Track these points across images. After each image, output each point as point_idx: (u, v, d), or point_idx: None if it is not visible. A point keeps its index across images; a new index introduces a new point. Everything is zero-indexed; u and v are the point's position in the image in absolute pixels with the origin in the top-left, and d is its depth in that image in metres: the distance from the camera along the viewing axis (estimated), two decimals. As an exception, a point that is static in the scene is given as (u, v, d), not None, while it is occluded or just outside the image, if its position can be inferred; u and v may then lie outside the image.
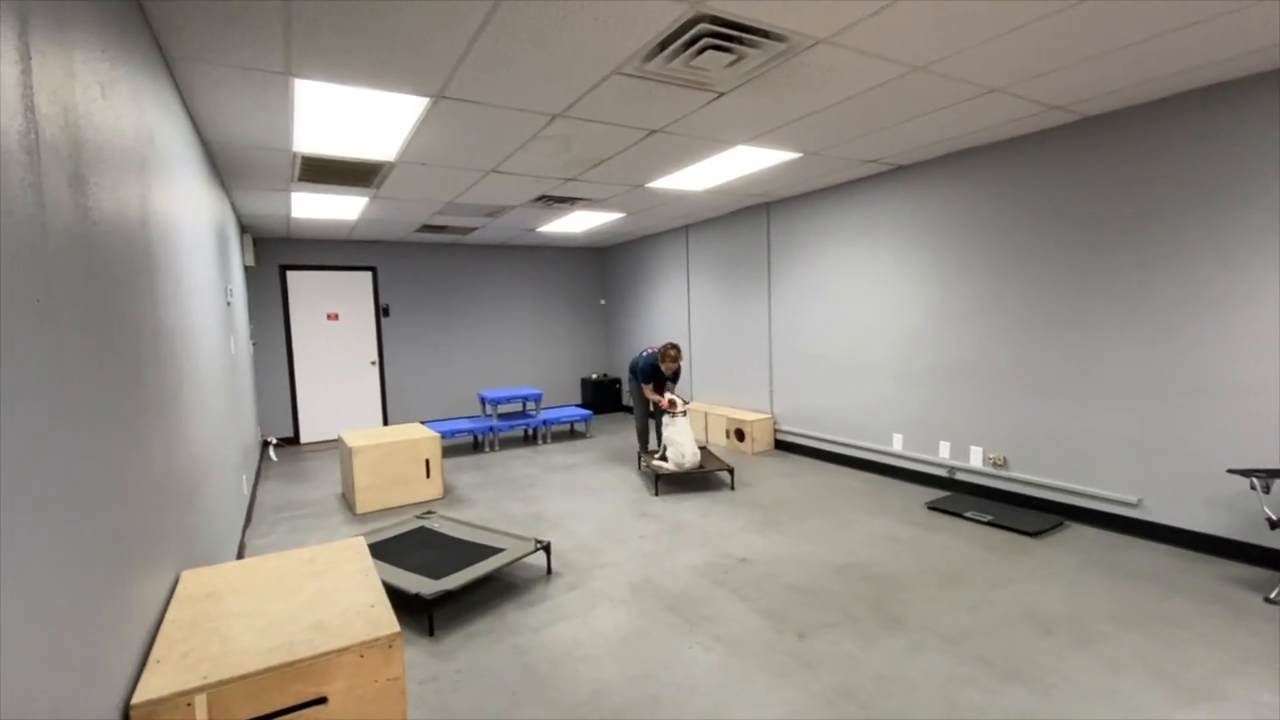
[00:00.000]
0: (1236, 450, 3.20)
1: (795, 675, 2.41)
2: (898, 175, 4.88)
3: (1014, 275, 4.15)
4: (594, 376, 9.24)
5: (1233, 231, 3.16)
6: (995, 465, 4.33)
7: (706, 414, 6.85)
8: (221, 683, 1.40)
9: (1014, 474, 4.24)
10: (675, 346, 5.38)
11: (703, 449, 5.38)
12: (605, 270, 9.58)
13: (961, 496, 4.47)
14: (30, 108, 1.06)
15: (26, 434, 0.95)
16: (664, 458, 5.14)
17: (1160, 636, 2.58)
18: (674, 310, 7.93)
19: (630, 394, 5.90)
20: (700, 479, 5.23)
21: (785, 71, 2.83)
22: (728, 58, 2.63)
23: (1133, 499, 3.63)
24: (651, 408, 5.64)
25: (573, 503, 4.75)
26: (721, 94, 3.09)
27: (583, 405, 9.25)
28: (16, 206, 0.97)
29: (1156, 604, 2.85)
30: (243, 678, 1.42)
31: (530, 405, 7.46)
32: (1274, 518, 2.76)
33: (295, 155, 3.91)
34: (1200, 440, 3.34)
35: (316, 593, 1.84)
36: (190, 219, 2.87)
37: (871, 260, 5.17)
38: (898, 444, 5.05)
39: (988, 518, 3.97)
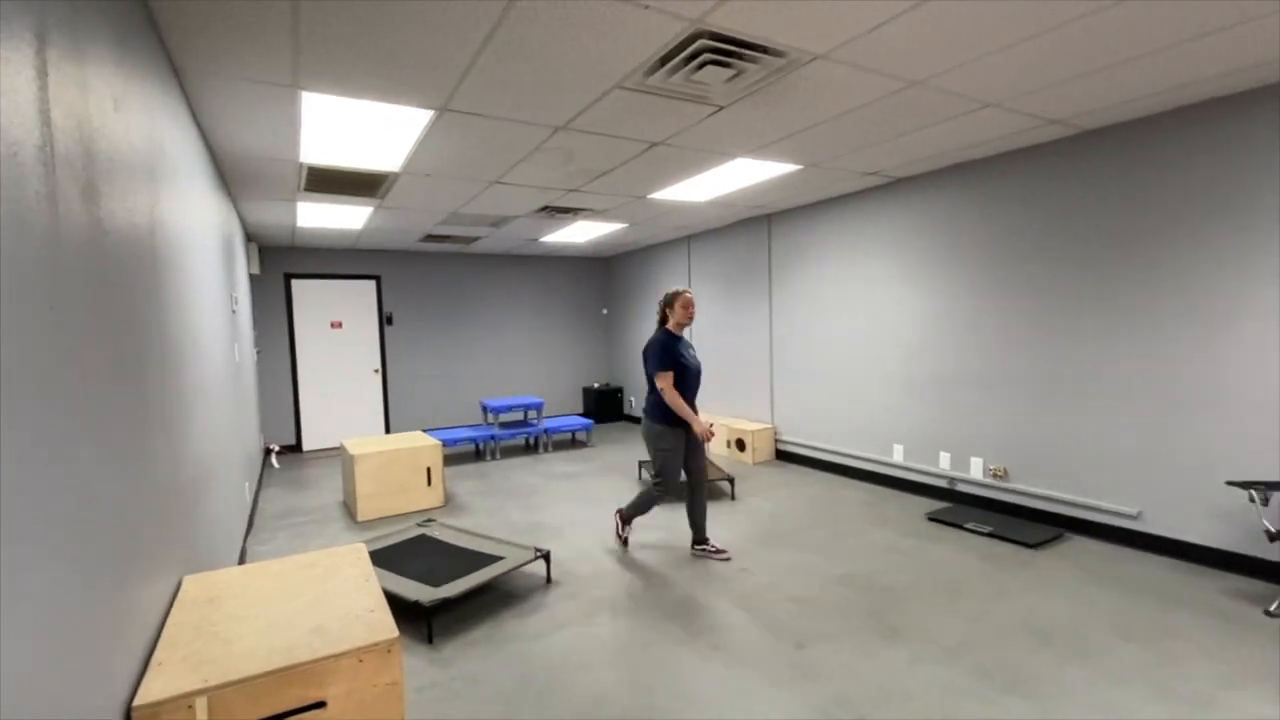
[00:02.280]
0: (1236, 462, 3.20)
1: (793, 685, 2.41)
2: (897, 188, 4.92)
3: (1013, 287, 4.17)
4: (596, 385, 9.26)
5: (1231, 246, 3.18)
6: (996, 476, 4.33)
7: (708, 424, 6.85)
8: (222, 685, 1.41)
9: (1014, 485, 4.24)
10: (683, 292, 3.71)
11: (703, 459, 5.38)
12: (608, 279, 9.63)
13: (962, 508, 4.47)
14: (46, 121, 1.10)
15: (37, 438, 0.98)
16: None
17: (1160, 649, 2.58)
18: (676, 320, 7.94)
19: (648, 414, 3.76)
20: (701, 489, 5.23)
21: (784, 86, 2.87)
22: (727, 72, 2.67)
23: (1132, 511, 3.63)
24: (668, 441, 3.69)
25: (573, 511, 4.75)
26: (721, 107, 3.13)
27: (584, 414, 9.27)
28: (32, 218, 1.01)
29: (1156, 616, 2.85)
30: (243, 681, 1.44)
31: (532, 414, 7.48)
32: (1273, 530, 2.76)
33: (302, 166, 3.96)
34: (1199, 452, 3.34)
35: (316, 598, 1.86)
36: (197, 228, 2.91)
37: (871, 272, 5.20)
38: (898, 455, 5.05)
39: (988, 529, 3.96)
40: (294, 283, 7.48)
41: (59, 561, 1.03)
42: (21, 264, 0.95)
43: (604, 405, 9.10)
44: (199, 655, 1.54)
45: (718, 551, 3.75)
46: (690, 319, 3.71)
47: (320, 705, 1.52)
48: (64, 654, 1.03)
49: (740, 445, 6.38)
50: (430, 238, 6.94)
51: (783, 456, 6.34)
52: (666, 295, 3.74)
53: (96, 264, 1.34)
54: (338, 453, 7.44)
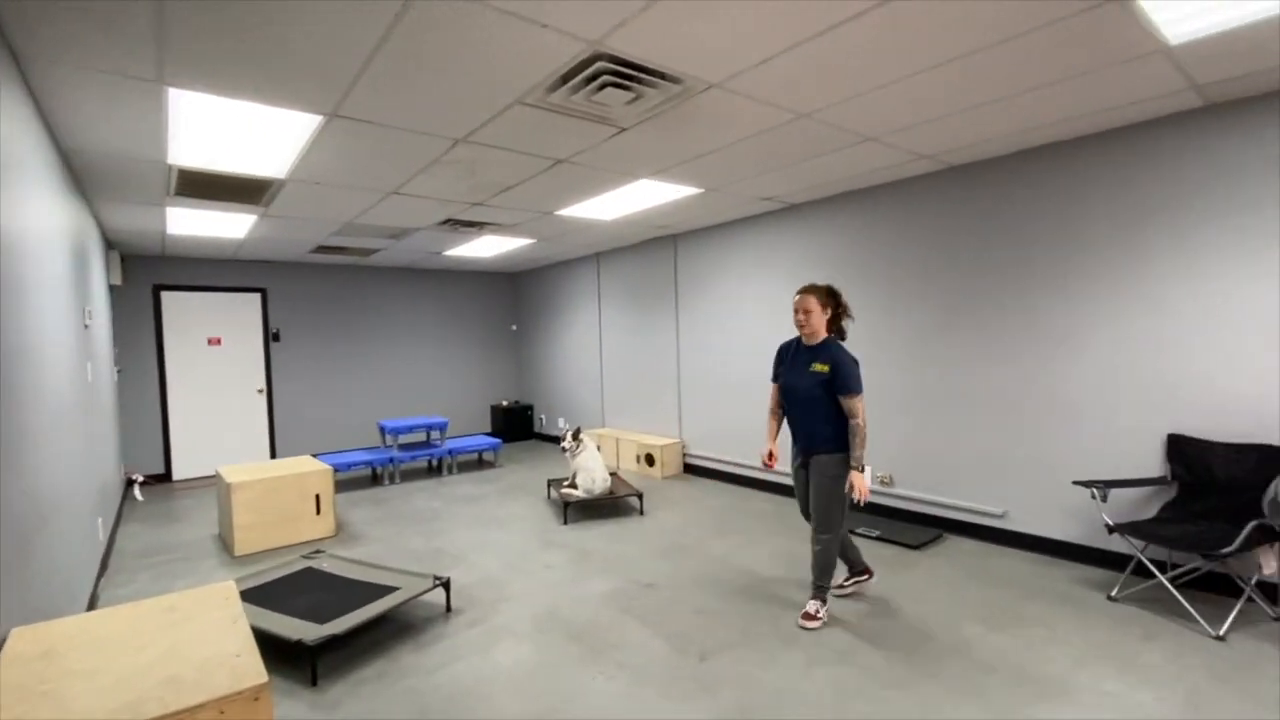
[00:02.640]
0: (1082, 464, 3.59)
1: (696, 698, 2.43)
2: (792, 213, 5.20)
3: (894, 308, 4.51)
4: (505, 403, 9.05)
5: (1073, 272, 3.61)
6: (883, 483, 4.63)
7: (618, 440, 6.87)
8: (47, 755, 1.24)
9: (899, 490, 4.54)
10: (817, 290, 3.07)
11: (613, 475, 5.38)
12: (517, 295, 9.49)
13: (854, 513, 4.72)
14: None
15: None
16: (574, 485, 5.09)
17: (1021, 637, 2.83)
18: (586, 336, 7.95)
19: (827, 445, 2.99)
20: (610, 505, 5.22)
21: (683, 112, 2.97)
22: (628, 95, 2.73)
23: (999, 511, 3.99)
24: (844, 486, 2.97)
25: (477, 535, 4.59)
26: (624, 129, 3.19)
27: (493, 433, 9.02)
28: None
29: (1019, 607, 3.13)
30: (75, 747, 1.26)
31: (435, 434, 7.18)
32: (1110, 524, 3.12)
33: (171, 168, 3.63)
34: (1051, 456, 3.74)
35: (173, 645, 1.67)
36: (39, 232, 2.58)
37: (770, 292, 5.44)
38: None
39: (876, 533, 4.21)
40: (164, 295, 6.80)
41: None
42: None
43: (513, 424, 8.90)
44: (20, 721, 1.33)
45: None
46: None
47: (173, 766, 1.36)
48: None
49: (649, 460, 6.43)
50: (323, 249, 6.55)
51: (691, 470, 6.45)
52: (828, 289, 3.07)
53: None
54: (213, 482, 6.78)
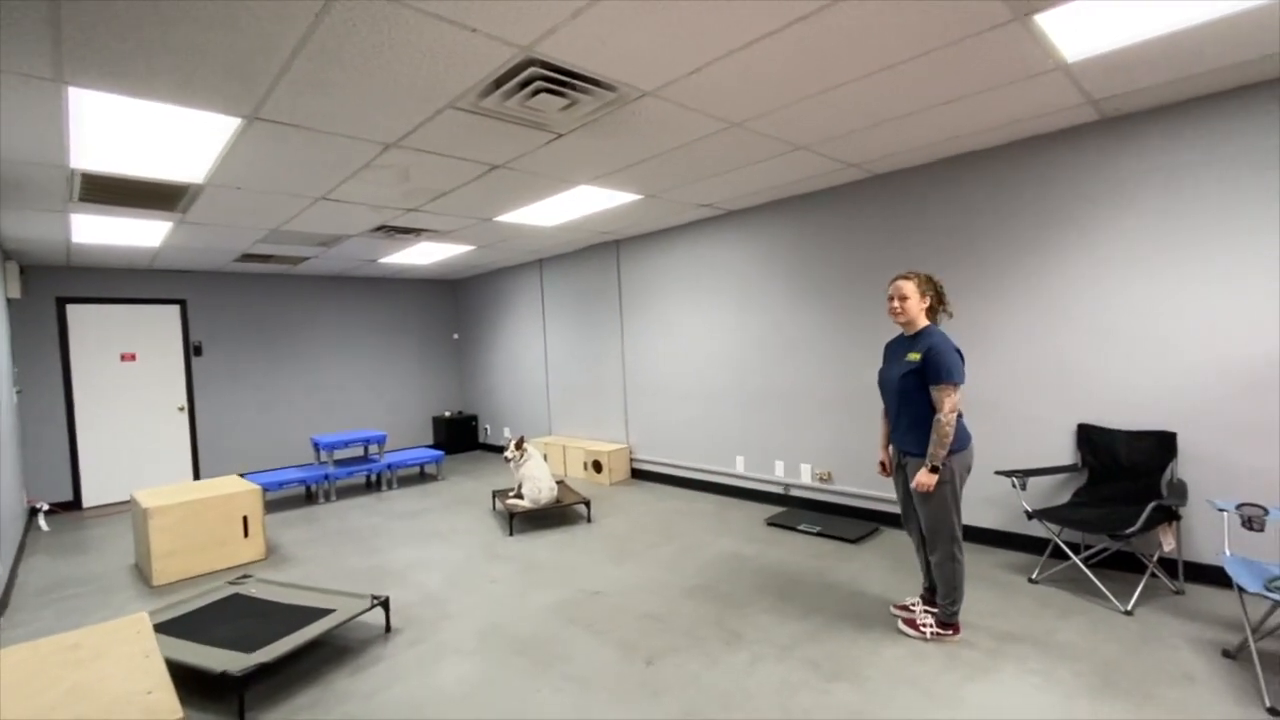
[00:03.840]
0: (1004, 455, 3.80)
1: (642, 704, 2.43)
2: (730, 219, 5.31)
3: (827, 310, 4.66)
4: (447, 414, 8.83)
5: (990, 273, 3.83)
6: (822, 480, 4.76)
7: (565, 447, 6.82)
8: (-76, 817, 1.12)
9: (838, 487, 4.69)
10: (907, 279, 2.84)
11: (560, 483, 5.33)
12: (458, 303, 9.29)
13: (796, 510, 4.85)
14: None
15: None
16: (519, 495, 5.02)
17: (952, 622, 2.97)
18: (531, 343, 7.86)
19: (916, 448, 2.76)
20: (557, 514, 5.17)
21: (618, 119, 2.99)
22: (562, 101, 2.72)
23: (931, 503, 4.16)
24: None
25: (419, 552, 4.46)
26: (561, 135, 3.18)
27: (435, 445, 8.78)
28: None
29: (950, 594, 3.28)
30: (-42, 806, 1.15)
31: (373, 449, 6.94)
32: (1029, 510, 3.31)
33: (73, 172, 3.38)
34: (977, 448, 3.92)
35: (76, 685, 1.55)
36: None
37: (710, 296, 5.53)
38: (740, 466, 5.38)
39: (817, 529, 4.33)
40: (70, 308, 6.32)
41: None
42: None
43: (456, 435, 8.70)
44: (-108, 782, 1.21)
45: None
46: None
47: (75, 817, 1.26)
48: None
49: (597, 467, 6.41)
50: (248, 257, 6.23)
51: (638, 475, 6.47)
52: (928, 276, 2.84)
53: None
54: (128, 507, 6.33)
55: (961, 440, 2.72)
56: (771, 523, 4.59)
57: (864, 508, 4.55)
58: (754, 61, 2.46)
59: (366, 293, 8.36)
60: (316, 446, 6.44)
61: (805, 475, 4.89)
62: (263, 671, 2.55)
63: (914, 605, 3.01)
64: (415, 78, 2.47)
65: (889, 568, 3.67)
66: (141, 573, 4.23)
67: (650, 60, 2.41)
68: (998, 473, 3.54)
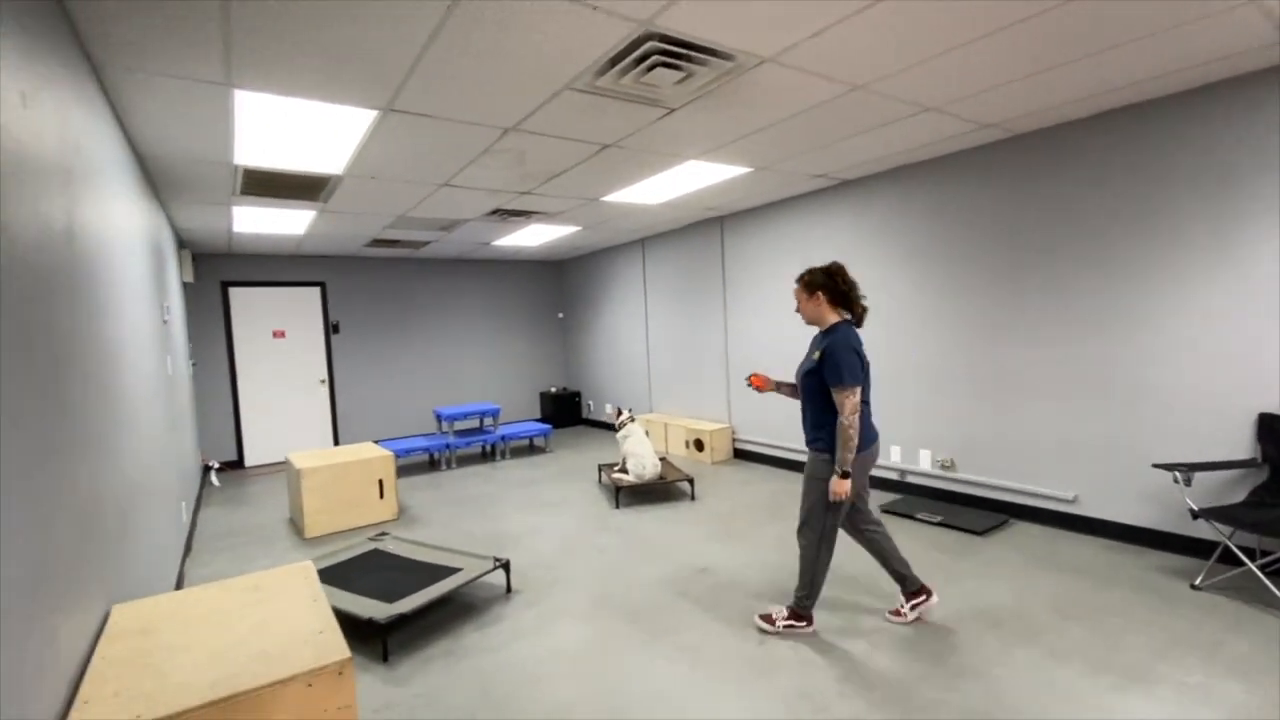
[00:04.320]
0: (1162, 447, 3.39)
1: (754, 681, 2.43)
2: (844, 189, 5.04)
3: (955, 285, 4.33)
4: (553, 390, 9.18)
5: (1152, 242, 3.38)
6: (944, 467, 4.49)
7: (666, 425, 6.88)
8: (156, 721, 1.32)
9: (961, 475, 4.40)
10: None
11: (663, 460, 5.40)
12: (563, 283, 9.56)
13: (913, 498, 4.61)
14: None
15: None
16: (624, 470, 5.13)
17: (1097, 626, 2.71)
18: (632, 322, 7.96)
19: (815, 445, 2.73)
20: (661, 490, 5.24)
21: (733, 89, 2.90)
22: (677, 75, 2.68)
23: (1069, 495, 3.81)
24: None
25: (532, 519, 4.69)
26: (673, 110, 3.15)
27: (542, 419, 9.17)
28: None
29: (1093, 595, 2.99)
30: (180, 714, 1.35)
31: (488, 421, 7.35)
32: (1195, 509, 2.94)
33: (236, 168, 3.78)
34: (1128, 439, 3.54)
35: (260, 622, 1.77)
36: (121, 234, 2.74)
37: (822, 271, 5.31)
38: (851, 450, 5.17)
39: (938, 518, 4.10)
40: (232, 291, 7.14)
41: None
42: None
43: (562, 410, 9.03)
44: (131, 690, 1.43)
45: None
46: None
47: (267, 735, 1.44)
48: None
49: (699, 445, 6.42)
50: (378, 242, 6.74)
51: (741, 455, 6.41)
52: (823, 270, 2.72)
53: (4, 273, 1.24)
54: (283, 468, 7.13)
55: (865, 439, 2.66)
56: (886, 509, 4.40)
57: (991, 498, 4.24)
58: (884, 18, 2.29)
59: (480, 274, 8.80)
60: (439, 417, 6.91)
61: (924, 462, 4.62)
62: (401, 620, 2.79)
63: (906, 609, 2.86)
64: (535, 61, 2.52)
65: (1019, 562, 3.41)
66: (295, 526, 4.76)
67: (770, 24, 2.30)
68: (1155, 465, 3.17)
